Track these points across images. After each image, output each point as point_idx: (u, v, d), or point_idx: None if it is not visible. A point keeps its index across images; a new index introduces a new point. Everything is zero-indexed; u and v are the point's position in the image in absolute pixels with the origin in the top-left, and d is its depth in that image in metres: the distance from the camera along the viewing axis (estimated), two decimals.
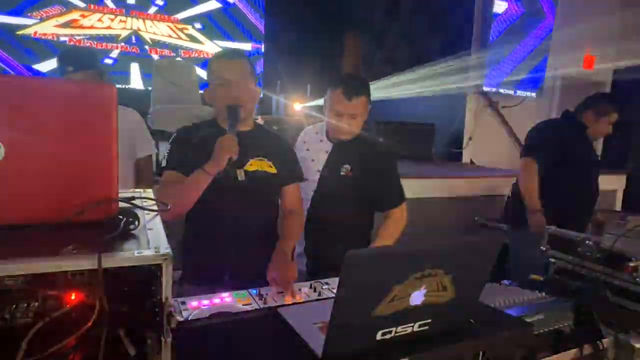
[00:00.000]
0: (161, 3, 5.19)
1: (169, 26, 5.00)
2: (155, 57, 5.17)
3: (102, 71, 2.08)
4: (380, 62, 6.33)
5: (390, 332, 0.92)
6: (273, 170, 1.64)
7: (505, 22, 5.22)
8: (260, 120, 3.33)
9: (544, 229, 2.52)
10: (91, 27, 4.39)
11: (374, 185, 1.87)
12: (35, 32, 4.16)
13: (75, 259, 0.67)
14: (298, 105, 4.77)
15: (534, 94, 5.64)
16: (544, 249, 1.89)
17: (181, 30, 5.13)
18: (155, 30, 5.08)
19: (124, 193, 0.93)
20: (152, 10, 5.19)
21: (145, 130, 2.28)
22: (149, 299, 0.73)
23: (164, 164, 1.59)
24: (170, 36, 5.07)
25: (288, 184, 1.73)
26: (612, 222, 2.25)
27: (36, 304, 0.75)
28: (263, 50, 6.12)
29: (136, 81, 5.12)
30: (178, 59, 5.36)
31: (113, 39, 4.78)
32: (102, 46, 4.69)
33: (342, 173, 1.84)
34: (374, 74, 5.54)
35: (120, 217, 0.81)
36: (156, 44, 5.15)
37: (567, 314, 1.42)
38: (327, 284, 1.43)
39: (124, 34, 4.97)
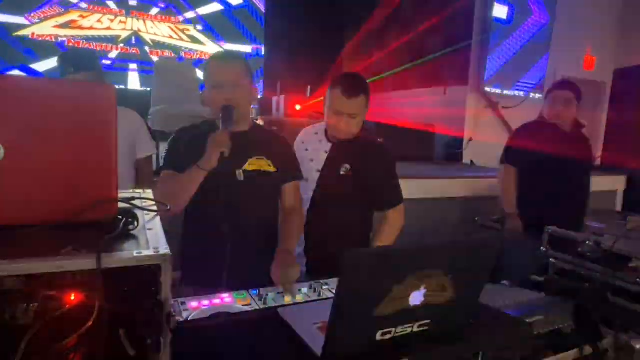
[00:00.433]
0: (163, 5, 5.17)
1: (170, 27, 4.95)
2: (155, 58, 5.15)
3: (102, 72, 2.09)
4: (380, 61, 6.32)
5: (389, 332, 0.92)
6: (272, 169, 1.64)
7: (506, 22, 5.22)
8: (260, 121, 3.33)
9: (519, 231, 2.58)
10: (90, 28, 4.34)
11: (373, 186, 1.87)
12: (33, 34, 4.12)
13: (74, 259, 0.67)
14: (298, 106, 4.77)
15: (533, 95, 5.64)
16: (544, 249, 1.89)
17: (182, 31, 5.08)
18: (156, 31, 5.04)
19: (123, 193, 0.93)
20: (154, 11, 5.16)
21: (145, 130, 2.29)
22: (148, 299, 0.73)
23: (161, 163, 1.61)
24: (171, 37, 5.02)
25: (287, 182, 1.73)
26: (612, 223, 2.26)
27: (36, 304, 0.75)
28: (263, 51, 6.12)
29: (134, 82, 5.10)
30: (174, 55, 5.35)
31: (113, 40, 4.76)
32: (101, 47, 4.66)
33: (341, 173, 1.84)
34: (374, 73, 5.55)
35: (120, 217, 0.81)
36: (157, 45, 5.14)
37: (567, 314, 1.42)
38: (326, 284, 1.43)
39: (124, 35, 4.95)
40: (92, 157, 0.81)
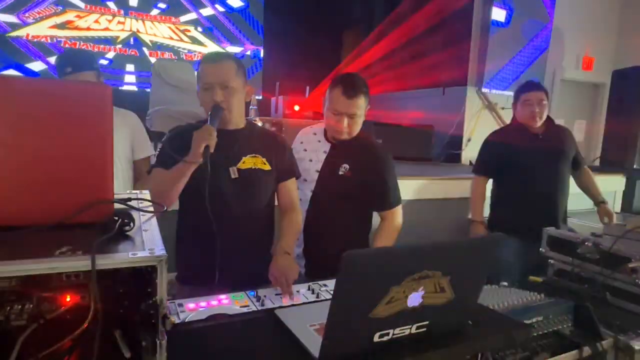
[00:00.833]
0: (163, 6, 5.10)
1: (170, 27, 4.88)
2: (153, 59, 5.09)
3: (99, 72, 2.08)
4: (379, 62, 6.33)
5: (387, 334, 0.91)
6: (267, 167, 1.64)
7: (504, 23, 5.23)
8: (258, 122, 3.33)
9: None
10: (88, 29, 4.24)
11: (372, 186, 1.87)
12: (28, 35, 4.00)
13: (69, 260, 0.66)
14: (297, 107, 4.77)
15: None
16: (544, 250, 1.89)
17: (183, 32, 5.01)
18: (156, 32, 4.95)
19: (120, 194, 0.93)
20: (154, 12, 5.11)
21: (143, 132, 2.29)
22: (144, 300, 0.73)
23: (153, 161, 1.61)
24: (171, 38, 4.94)
25: (283, 180, 1.72)
26: (611, 223, 2.25)
27: (31, 305, 0.75)
28: (262, 52, 6.12)
29: (130, 82, 5.06)
30: (174, 57, 5.30)
31: (110, 41, 4.62)
32: (99, 49, 4.52)
33: (340, 173, 1.84)
34: (372, 74, 5.55)
35: (116, 218, 0.80)
36: (156, 46, 5.06)
37: (567, 315, 1.42)
38: (325, 285, 1.42)
39: (123, 35, 4.87)
40: (87, 158, 0.81)
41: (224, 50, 5.71)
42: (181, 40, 5.18)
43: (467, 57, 5.30)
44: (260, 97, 5.63)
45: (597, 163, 5.47)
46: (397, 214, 1.92)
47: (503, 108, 5.53)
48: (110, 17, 4.47)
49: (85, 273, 0.68)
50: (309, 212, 1.89)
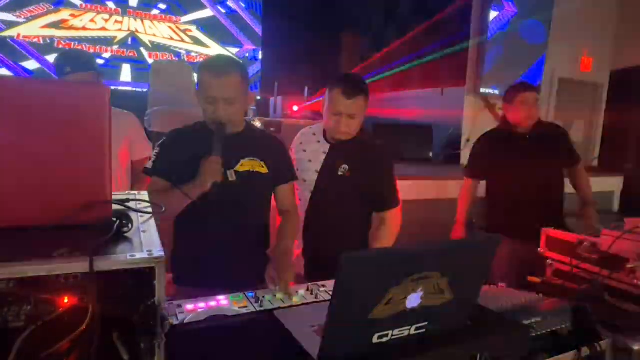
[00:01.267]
0: (164, 7, 4.93)
1: (170, 27, 4.63)
2: (151, 60, 4.97)
3: (99, 73, 2.08)
4: (378, 62, 6.33)
5: (386, 335, 0.91)
6: (264, 170, 1.64)
7: (502, 24, 5.23)
8: (257, 122, 3.33)
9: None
10: (83, 29, 4.00)
11: (372, 186, 1.87)
12: (19, 35, 3.76)
13: (67, 262, 0.66)
14: (296, 107, 4.77)
15: None
16: (542, 250, 1.89)
17: (184, 32, 4.84)
18: (156, 31, 4.73)
19: (118, 195, 0.92)
20: (154, 12, 5.00)
21: (142, 132, 2.29)
22: (142, 302, 0.73)
23: (149, 166, 1.59)
24: (172, 38, 4.75)
25: (281, 183, 1.73)
26: (609, 224, 2.25)
27: (29, 307, 0.75)
28: (261, 52, 6.12)
29: (126, 78, 4.94)
30: (175, 58, 5.26)
31: (107, 41, 4.37)
32: (95, 50, 4.27)
33: (340, 173, 1.84)
34: (371, 74, 5.55)
35: (114, 219, 0.80)
36: (156, 46, 4.87)
37: (565, 316, 1.41)
38: (324, 286, 1.42)
39: (120, 36, 4.67)
40: (85, 159, 0.80)
41: (226, 53, 5.71)
42: (182, 40, 5.02)
43: (466, 57, 5.30)
44: (259, 98, 5.63)
45: (595, 163, 5.49)
46: (397, 215, 1.92)
47: (501, 109, 5.53)
48: (107, 17, 4.23)
49: (83, 275, 0.68)
50: (308, 212, 1.88)
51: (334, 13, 6.66)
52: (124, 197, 0.94)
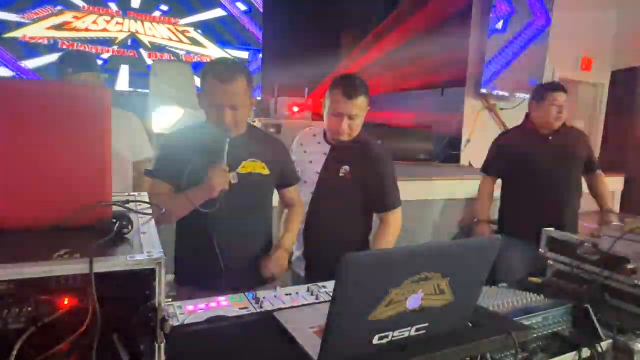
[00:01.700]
0: (165, 8, 5.04)
1: (169, 29, 4.76)
2: (149, 61, 4.99)
3: (100, 73, 2.08)
4: (377, 63, 6.33)
5: (386, 336, 0.91)
6: (266, 171, 1.64)
7: (503, 24, 5.23)
8: (257, 123, 3.33)
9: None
10: (85, 30, 4.18)
11: (372, 187, 1.86)
12: (24, 36, 3.94)
13: (67, 263, 0.66)
14: (296, 108, 4.77)
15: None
16: (543, 250, 1.89)
17: (182, 33, 4.88)
18: (155, 32, 4.87)
19: (118, 196, 0.92)
20: (155, 14, 5.06)
21: (143, 133, 2.28)
22: (142, 303, 0.73)
23: (150, 168, 1.59)
24: (170, 39, 4.83)
25: (287, 186, 1.78)
26: (610, 224, 2.24)
27: (29, 308, 0.75)
28: (261, 53, 6.12)
29: (123, 83, 4.95)
30: (173, 58, 5.27)
31: (108, 42, 4.52)
32: (96, 50, 4.44)
33: (340, 174, 1.84)
34: (371, 74, 5.55)
35: (114, 220, 0.80)
36: (155, 47, 5.00)
37: (566, 316, 1.42)
38: (324, 287, 1.42)
39: (121, 36, 4.81)
40: (85, 160, 0.80)
41: (226, 54, 5.72)
42: (181, 41, 5.10)
43: (466, 57, 5.30)
44: (259, 99, 5.63)
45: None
46: (397, 216, 1.91)
47: (502, 109, 5.53)
48: (108, 18, 4.41)
49: (83, 276, 0.68)
50: (309, 213, 1.88)
51: (334, 13, 6.66)
52: (124, 198, 0.94)
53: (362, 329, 0.89)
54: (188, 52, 5.13)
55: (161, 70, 4.24)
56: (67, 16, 3.94)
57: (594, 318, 1.38)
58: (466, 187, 3.88)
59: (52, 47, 4.17)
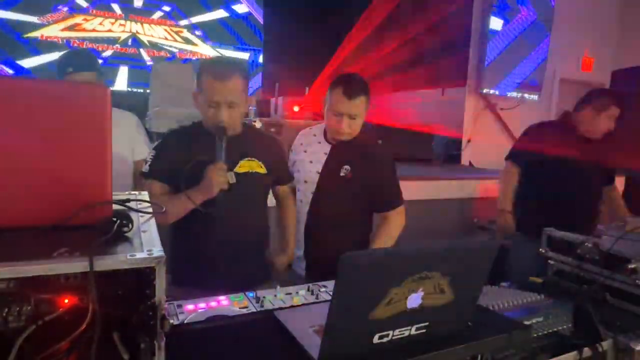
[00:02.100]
0: (168, 9, 5.31)
1: (165, 29, 5.16)
2: (147, 58, 5.25)
3: (100, 73, 2.08)
4: (378, 63, 6.33)
5: (387, 335, 0.91)
6: (263, 170, 1.65)
7: (503, 24, 5.23)
8: (258, 123, 3.33)
9: (511, 230, 2.50)
10: (93, 30, 4.65)
11: (374, 187, 1.86)
12: (42, 35, 4.40)
13: (67, 262, 0.66)
14: (296, 107, 4.77)
15: (532, 96, 5.64)
16: (543, 250, 1.88)
17: (177, 33, 5.22)
18: (153, 33, 5.21)
19: (118, 195, 0.92)
20: (156, 15, 5.28)
21: (143, 132, 2.29)
22: (142, 302, 0.72)
23: (146, 169, 1.57)
24: (166, 39, 5.20)
25: (281, 184, 1.83)
26: (611, 224, 2.24)
27: (29, 307, 0.74)
28: (261, 53, 6.14)
29: (121, 83, 5.18)
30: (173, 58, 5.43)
31: (112, 41, 4.95)
32: (102, 47, 4.87)
33: (341, 174, 1.83)
34: (371, 74, 5.55)
35: (114, 219, 0.80)
36: (153, 46, 5.29)
37: (566, 316, 1.41)
38: (324, 286, 1.42)
39: (123, 36, 5.09)
40: (86, 158, 0.80)
41: (225, 54, 5.77)
42: (175, 40, 5.44)
43: (467, 57, 5.30)
44: (260, 98, 5.63)
45: None
46: (399, 214, 1.90)
47: (502, 109, 5.53)
48: (113, 20, 4.86)
49: (83, 275, 0.68)
50: (310, 213, 1.88)
51: (334, 13, 6.66)
52: (125, 197, 0.94)
53: (363, 329, 0.89)
54: (181, 50, 5.41)
55: (161, 70, 4.24)
56: (78, 19, 4.48)
57: (595, 318, 1.38)
58: (467, 187, 3.89)
59: (68, 45, 4.57)
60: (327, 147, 1.89)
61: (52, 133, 0.78)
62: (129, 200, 0.91)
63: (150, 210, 0.94)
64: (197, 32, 5.64)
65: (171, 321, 0.72)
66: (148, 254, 0.69)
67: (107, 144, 0.81)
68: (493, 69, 5.29)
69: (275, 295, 1.34)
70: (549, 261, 1.85)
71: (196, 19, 5.60)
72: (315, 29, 6.27)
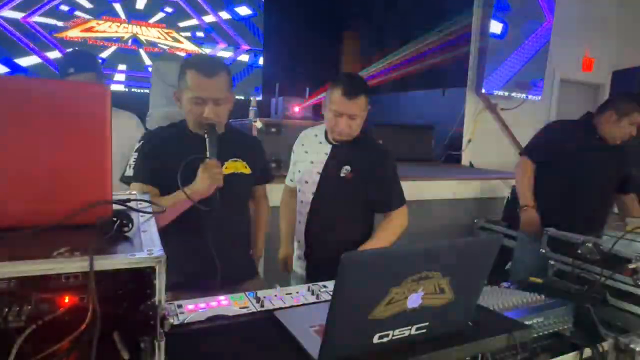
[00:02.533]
0: (170, 10, 5.72)
1: (158, 31, 5.81)
2: (144, 53, 5.62)
3: (101, 74, 2.09)
4: (378, 63, 6.34)
5: (387, 335, 0.91)
6: (248, 170, 1.66)
7: (504, 24, 5.23)
8: (258, 123, 3.32)
9: (537, 227, 2.41)
10: (103, 32, 5.62)
11: (375, 187, 1.85)
12: (67, 36, 5.32)
13: (67, 261, 0.66)
14: (297, 108, 4.77)
15: (532, 97, 5.64)
16: (544, 250, 1.88)
17: (167, 34, 5.86)
18: (148, 34, 5.80)
19: (118, 195, 0.92)
20: (157, 17, 5.66)
21: (143, 133, 2.29)
22: (142, 302, 0.72)
23: (130, 173, 1.52)
24: (159, 38, 5.85)
25: (260, 183, 1.85)
26: (611, 224, 2.24)
27: (29, 307, 0.74)
28: (262, 53, 6.16)
29: (120, 82, 5.53)
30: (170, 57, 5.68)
31: (117, 40, 5.63)
32: (107, 44, 5.53)
33: (342, 174, 1.83)
34: (372, 74, 5.55)
35: (114, 219, 0.80)
36: (150, 44, 5.79)
37: (567, 316, 1.41)
38: (324, 286, 1.42)
39: (126, 36, 5.62)
40: (86, 158, 0.80)
41: (225, 54, 5.82)
42: (166, 39, 5.79)
43: (467, 57, 5.30)
44: (260, 98, 5.63)
45: None
46: (401, 214, 1.89)
47: (503, 109, 5.53)
48: (118, 24, 5.59)
49: (83, 274, 0.68)
50: (310, 213, 1.88)
51: (335, 13, 6.67)
52: (125, 197, 0.94)
53: (363, 328, 0.89)
54: (171, 47, 5.86)
55: (163, 69, 4.24)
56: (92, 23, 5.49)
57: (595, 318, 1.38)
58: (467, 187, 3.88)
59: (84, 44, 5.34)
60: (327, 147, 1.89)
61: (52, 132, 0.78)
62: (129, 200, 0.91)
63: (150, 210, 0.94)
64: (199, 34, 5.81)
65: (171, 321, 0.72)
66: (148, 254, 0.69)
67: (107, 143, 0.81)
68: (493, 69, 5.29)
69: (275, 295, 1.34)
70: (550, 261, 1.85)
71: (194, 22, 5.82)
72: (317, 28, 6.28)
